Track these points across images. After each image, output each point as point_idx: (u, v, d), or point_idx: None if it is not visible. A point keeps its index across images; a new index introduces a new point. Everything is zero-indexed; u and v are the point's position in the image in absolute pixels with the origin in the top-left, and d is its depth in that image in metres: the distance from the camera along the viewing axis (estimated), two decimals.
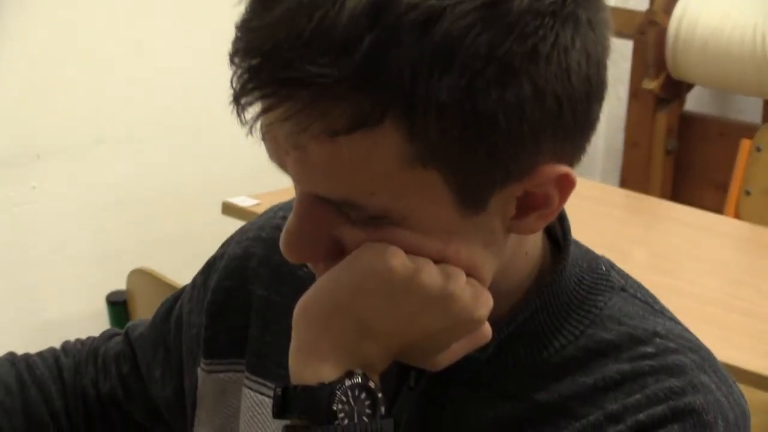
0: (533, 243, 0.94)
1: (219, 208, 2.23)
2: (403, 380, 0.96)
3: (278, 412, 0.89)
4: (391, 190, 0.83)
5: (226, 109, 0.81)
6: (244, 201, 2.14)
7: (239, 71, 0.80)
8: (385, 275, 0.86)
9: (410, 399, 0.95)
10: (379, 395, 0.88)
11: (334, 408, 0.86)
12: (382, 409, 0.88)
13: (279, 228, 0.93)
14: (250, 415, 1.05)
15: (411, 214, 0.85)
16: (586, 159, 0.96)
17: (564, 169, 0.85)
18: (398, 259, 0.86)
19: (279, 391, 0.89)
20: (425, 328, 0.88)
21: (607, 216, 2.46)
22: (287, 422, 0.88)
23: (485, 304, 0.88)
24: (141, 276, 1.84)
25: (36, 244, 2.28)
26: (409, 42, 0.79)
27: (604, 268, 0.97)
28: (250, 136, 0.85)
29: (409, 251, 0.86)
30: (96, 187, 2.35)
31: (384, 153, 0.81)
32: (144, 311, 1.85)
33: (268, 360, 1.05)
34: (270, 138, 0.84)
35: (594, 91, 0.84)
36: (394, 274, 0.86)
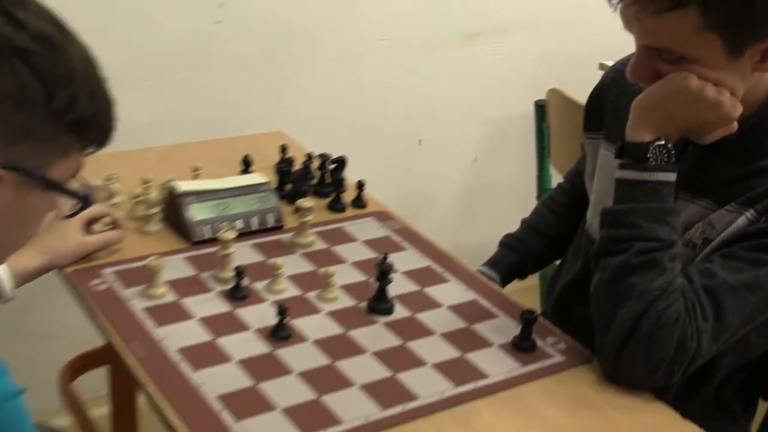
0: (767, 79, 1.32)
1: (597, 66, 2.71)
2: (686, 148, 1.36)
3: (617, 155, 1.32)
4: (689, 44, 1.22)
5: None
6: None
7: None
8: (685, 89, 1.25)
9: (689, 158, 1.36)
10: (672, 152, 1.29)
11: (648, 155, 1.28)
12: (673, 159, 1.29)
13: (625, 65, 1.33)
14: (602, 161, 1.51)
15: (700, 57, 1.24)
16: None
17: None
18: (693, 81, 1.25)
19: (619, 145, 1.32)
20: (703, 120, 1.28)
21: None
22: (621, 161, 1.30)
23: (738, 110, 1.28)
24: (555, 93, 2.36)
25: (495, 73, 2.94)
26: None
27: None
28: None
29: (699, 78, 1.24)
30: (532, 48, 2.97)
31: (687, 23, 1.18)
32: (554, 115, 2.35)
33: (614, 132, 1.45)
34: (624, 14, 1.23)
35: None
36: (690, 89, 1.25)
